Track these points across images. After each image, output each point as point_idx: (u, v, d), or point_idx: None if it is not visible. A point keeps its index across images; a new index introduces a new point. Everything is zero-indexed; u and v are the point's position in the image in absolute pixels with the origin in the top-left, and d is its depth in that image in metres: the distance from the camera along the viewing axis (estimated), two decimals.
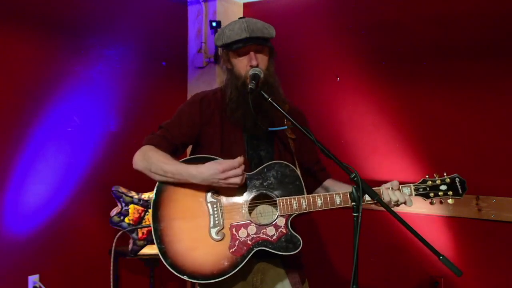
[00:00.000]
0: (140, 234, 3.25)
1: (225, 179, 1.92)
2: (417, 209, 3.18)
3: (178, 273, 1.98)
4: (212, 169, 1.92)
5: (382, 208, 1.80)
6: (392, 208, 1.91)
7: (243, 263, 1.98)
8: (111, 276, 2.46)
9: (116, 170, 3.43)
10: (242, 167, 1.93)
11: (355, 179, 1.78)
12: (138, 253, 3.22)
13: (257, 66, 2.07)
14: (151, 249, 3.25)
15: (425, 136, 3.17)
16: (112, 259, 2.29)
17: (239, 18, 2.12)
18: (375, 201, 1.82)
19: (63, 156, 3.22)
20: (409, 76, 3.26)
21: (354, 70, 3.46)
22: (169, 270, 1.99)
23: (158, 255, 3.20)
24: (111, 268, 2.36)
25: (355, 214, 1.77)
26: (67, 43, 3.23)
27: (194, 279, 1.97)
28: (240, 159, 1.93)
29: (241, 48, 2.06)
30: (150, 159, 2.04)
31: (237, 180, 1.92)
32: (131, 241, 3.23)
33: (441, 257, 1.73)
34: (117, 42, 3.52)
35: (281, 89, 2.15)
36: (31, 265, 3.07)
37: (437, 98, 3.15)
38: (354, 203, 1.77)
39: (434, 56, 3.16)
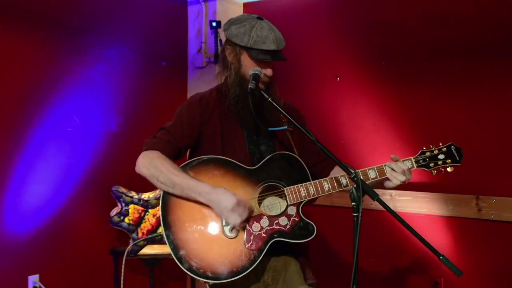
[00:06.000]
0: (140, 234, 3.26)
1: (232, 210, 1.93)
2: (417, 209, 3.18)
3: (197, 276, 1.96)
4: (229, 196, 1.94)
5: (382, 208, 1.81)
6: (393, 206, 1.94)
7: (261, 257, 1.98)
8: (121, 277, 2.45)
9: (116, 170, 3.43)
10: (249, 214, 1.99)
11: (355, 179, 1.79)
12: (138, 253, 3.23)
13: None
14: (151, 249, 3.26)
15: (425, 136, 3.17)
16: (123, 265, 2.28)
17: (257, 18, 2.10)
18: (375, 201, 1.82)
19: (63, 156, 3.22)
20: (409, 76, 3.25)
21: (354, 70, 3.46)
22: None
23: (158, 255, 3.23)
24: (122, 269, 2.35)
25: (355, 214, 1.77)
26: (67, 43, 3.23)
27: (215, 280, 1.96)
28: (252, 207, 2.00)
29: (268, 60, 2.07)
30: (158, 168, 2.02)
31: (238, 219, 1.95)
32: (131, 241, 3.24)
33: (441, 257, 1.74)
34: (117, 42, 3.52)
35: (277, 88, 2.18)
36: (31, 265, 3.07)
37: (437, 98, 3.15)
38: (354, 203, 1.78)
39: (434, 56, 3.16)
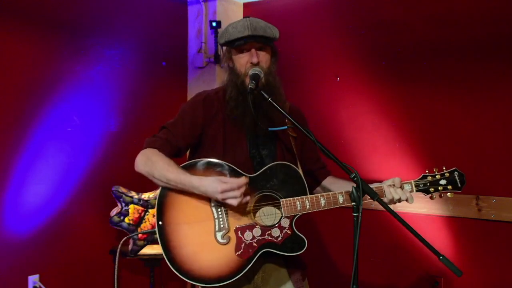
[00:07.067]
0: (140, 235, 3.25)
1: (222, 199, 1.92)
2: (417, 209, 3.18)
3: (186, 278, 1.97)
4: (213, 187, 1.92)
5: (382, 208, 1.81)
6: (393, 206, 1.94)
7: (249, 265, 1.99)
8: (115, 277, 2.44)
9: (116, 170, 3.43)
10: (243, 189, 1.92)
11: (355, 179, 1.79)
12: (138, 253, 3.23)
13: (257, 64, 2.07)
14: (151, 249, 3.26)
15: (425, 136, 3.17)
16: (116, 262, 2.28)
17: (244, 17, 2.13)
18: (375, 201, 1.82)
19: (63, 156, 3.22)
20: (409, 76, 3.26)
21: (354, 70, 3.46)
22: (174, 273, 1.98)
23: (158, 255, 3.23)
24: (115, 269, 2.34)
25: (355, 214, 1.77)
26: (67, 43, 3.23)
27: (202, 283, 1.97)
28: (242, 181, 1.92)
29: (243, 45, 2.06)
30: (154, 165, 2.03)
31: (233, 202, 1.92)
32: (131, 241, 3.23)
33: (441, 257, 1.74)
34: (117, 42, 3.52)
35: (282, 90, 2.15)
36: (31, 265, 3.07)
37: (437, 98, 3.15)
38: (354, 203, 1.78)
39: (434, 56, 3.16)
